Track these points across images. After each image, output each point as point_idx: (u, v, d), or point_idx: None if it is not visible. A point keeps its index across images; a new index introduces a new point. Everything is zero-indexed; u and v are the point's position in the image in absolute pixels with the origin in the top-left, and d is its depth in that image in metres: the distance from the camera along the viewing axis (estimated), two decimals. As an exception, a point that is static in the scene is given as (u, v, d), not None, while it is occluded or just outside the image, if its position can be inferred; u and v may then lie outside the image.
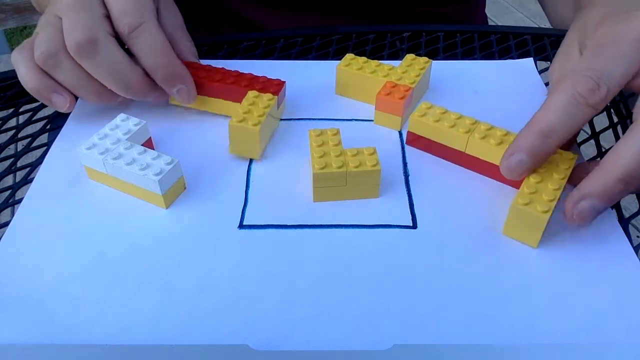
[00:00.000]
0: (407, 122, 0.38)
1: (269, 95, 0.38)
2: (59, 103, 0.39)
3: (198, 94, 0.40)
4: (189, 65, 0.40)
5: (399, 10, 0.60)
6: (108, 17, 0.37)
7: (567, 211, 0.30)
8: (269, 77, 0.41)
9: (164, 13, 0.40)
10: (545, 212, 0.30)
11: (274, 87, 0.40)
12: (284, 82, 0.41)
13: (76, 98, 0.39)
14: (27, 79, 0.38)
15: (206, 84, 0.40)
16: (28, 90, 0.38)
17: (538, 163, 0.32)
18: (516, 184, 0.35)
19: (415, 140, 0.38)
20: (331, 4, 0.58)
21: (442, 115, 0.37)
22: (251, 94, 0.38)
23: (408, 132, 0.38)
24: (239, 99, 0.39)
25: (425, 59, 0.43)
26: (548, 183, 0.32)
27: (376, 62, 0.43)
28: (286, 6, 0.58)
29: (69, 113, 0.42)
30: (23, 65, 0.38)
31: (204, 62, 0.47)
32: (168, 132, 0.40)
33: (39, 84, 0.38)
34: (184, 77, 0.39)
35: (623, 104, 0.46)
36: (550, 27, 0.60)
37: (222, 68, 0.41)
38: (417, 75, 0.41)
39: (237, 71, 0.41)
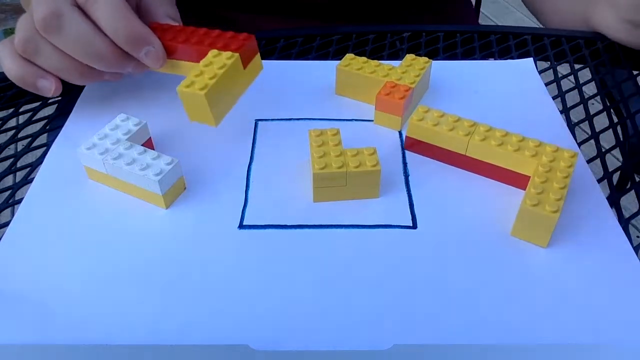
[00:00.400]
0: (407, 124, 0.38)
1: (229, 54, 0.35)
2: (45, 88, 0.38)
3: (167, 58, 0.38)
4: (156, 27, 0.38)
5: (395, 10, 0.60)
6: None
7: None
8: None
9: None
10: (555, 212, 0.30)
11: (238, 42, 0.36)
12: (252, 35, 0.36)
13: (69, 86, 0.39)
14: (10, 67, 0.38)
15: (172, 46, 0.37)
16: (13, 81, 0.38)
17: None
18: (517, 185, 0.35)
19: (415, 145, 0.38)
20: (330, 11, 0.58)
21: (439, 118, 0.37)
22: (211, 54, 0.35)
23: (406, 137, 0.38)
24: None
25: (425, 59, 0.43)
26: (554, 182, 0.32)
27: (376, 62, 0.43)
28: (285, 13, 0.58)
29: (69, 113, 0.42)
30: (6, 57, 0.38)
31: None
32: (168, 132, 0.40)
33: (22, 72, 0.38)
34: (148, 38, 0.36)
35: (623, 104, 0.46)
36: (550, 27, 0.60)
37: (192, 27, 0.38)
38: (417, 75, 0.41)
39: (206, 29, 0.38)
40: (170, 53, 0.38)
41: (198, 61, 0.36)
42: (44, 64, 0.38)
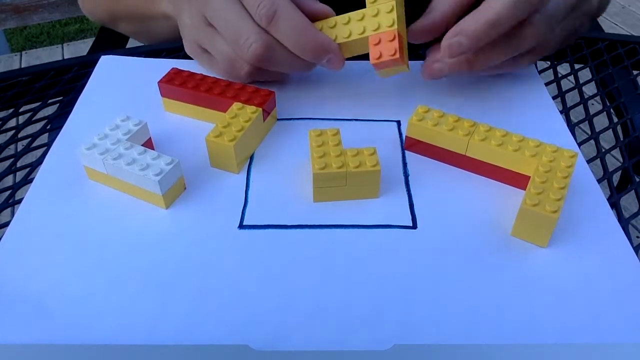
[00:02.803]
0: (407, 124, 0.38)
1: (253, 108, 0.38)
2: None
3: (190, 103, 0.41)
4: (177, 73, 0.41)
5: None
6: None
7: (442, 46, 0.36)
8: (263, 82, 0.40)
9: None
10: (555, 212, 0.30)
11: (260, 98, 0.39)
12: (273, 92, 0.40)
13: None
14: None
15: (195, 94, 0.40)
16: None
17: (474, 49, 0.36)
18: (517, 185, 0.35)
19: (415, 145, 0.38)
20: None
21: (440, 118, 0.37)
22: (235, 106, 0.38)
23: (406, 137, 0.38)
24: (226, 110, 0.38)
25: None
26: (554, 182, 0.32)
27: (342, 17, 0.39)
28: None
29: (69, 113, 0.42)
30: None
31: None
32: (168, 132, 0.40)
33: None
34: (328, 47, 0.38)
35: (623, 104, 0.46)
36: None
37: (213, 77, 0.41)
38: (390, 11, 0.38)
39: (227, 81, 0.41)
40: (190, 99, 0.40)
41: (219, 110, 0.40)
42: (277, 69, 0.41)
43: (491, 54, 0.38)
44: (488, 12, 0.35)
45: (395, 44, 0.37)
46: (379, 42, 0.38)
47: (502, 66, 0.41)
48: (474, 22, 0.35)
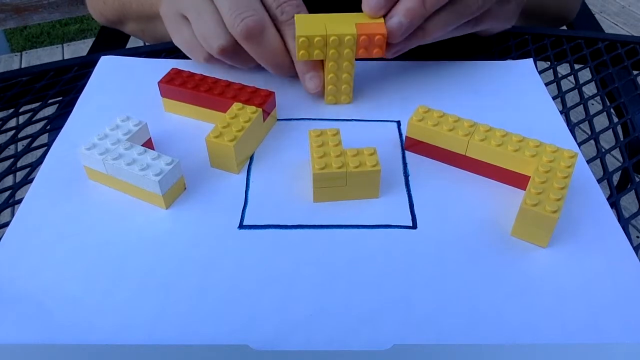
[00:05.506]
0: (407, 124, 0.38)
1: (253, 108, 0.38)
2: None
3: (190, 103, 0.41)
4: (177, 73, 0.41)
5: None
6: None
7: (387, 27, 0.38)
8: (264, 80, 0.40)
9: None
10: (555, 212, 0.30)
11: (260, 98, 0.39)
12: (273, 92, 0.40)
13: None
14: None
15: (195, 94, 0.40)
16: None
17: (413, 27, 0.38)
18: (517, 185, 0.35)
19: (414, 145, 0.38)
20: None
21: (440, 118, 0.37)
22: (235, 106, 0.38)
23: (406, 137, 0.38)
24: (226, 110, 0.38)
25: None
26: (554, 182, 0.32)
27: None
28: None
29: (69, 113, 0.42)
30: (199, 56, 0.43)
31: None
32: (168, 133, 0.40)
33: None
34: (319, 65, 0.41)
35: (623, 104, 0.46)
36: (550, 27, 0.60)
37: (214, 78, 0.41)
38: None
39: (227, 81, 0.41)
40: (190, 99, 0.41)
41: (219, 110, 0.40)
42: (239, 65, 0.43)
43: (439, 22, 0.39)
44: None
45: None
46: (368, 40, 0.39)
47: (457, 30, 0.42)
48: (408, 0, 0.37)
